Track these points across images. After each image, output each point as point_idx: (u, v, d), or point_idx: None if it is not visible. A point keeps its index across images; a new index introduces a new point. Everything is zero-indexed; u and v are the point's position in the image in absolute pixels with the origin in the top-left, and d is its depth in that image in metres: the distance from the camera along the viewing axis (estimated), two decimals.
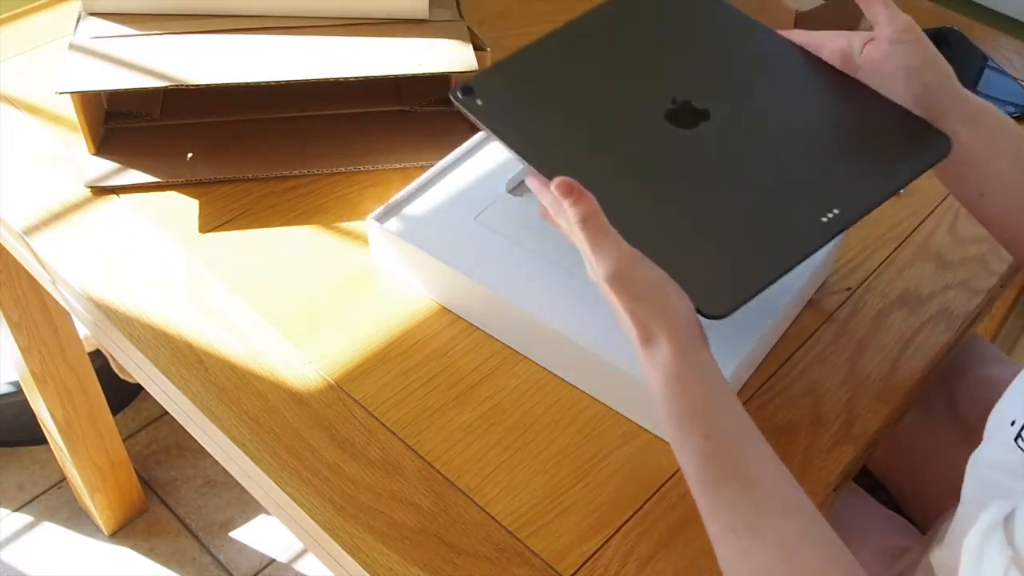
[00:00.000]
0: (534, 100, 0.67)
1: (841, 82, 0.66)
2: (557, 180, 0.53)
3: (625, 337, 0.66)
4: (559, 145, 0.64)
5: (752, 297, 0.56)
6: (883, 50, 0.61)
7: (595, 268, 0.53)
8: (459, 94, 0.65)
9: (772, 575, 0.48)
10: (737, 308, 0.55)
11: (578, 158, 0.63)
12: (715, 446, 0.50)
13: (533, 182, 0.60)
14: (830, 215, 0.59)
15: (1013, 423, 0.51)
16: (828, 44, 0.66)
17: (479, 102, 0.65)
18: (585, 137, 0.65)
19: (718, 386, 0.52)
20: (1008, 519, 0.43)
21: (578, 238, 0.53)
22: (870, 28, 0.63)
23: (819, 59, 0.67)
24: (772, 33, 0.70)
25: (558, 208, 0.56)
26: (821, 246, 0.58)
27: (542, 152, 0.62)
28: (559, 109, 0.66)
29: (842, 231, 0.59)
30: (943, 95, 0.61)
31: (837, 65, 0.65)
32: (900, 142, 0.62)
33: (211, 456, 0.71)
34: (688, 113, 0.65)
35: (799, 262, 0.58)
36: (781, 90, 0.67)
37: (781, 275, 0.57)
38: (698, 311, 0.54)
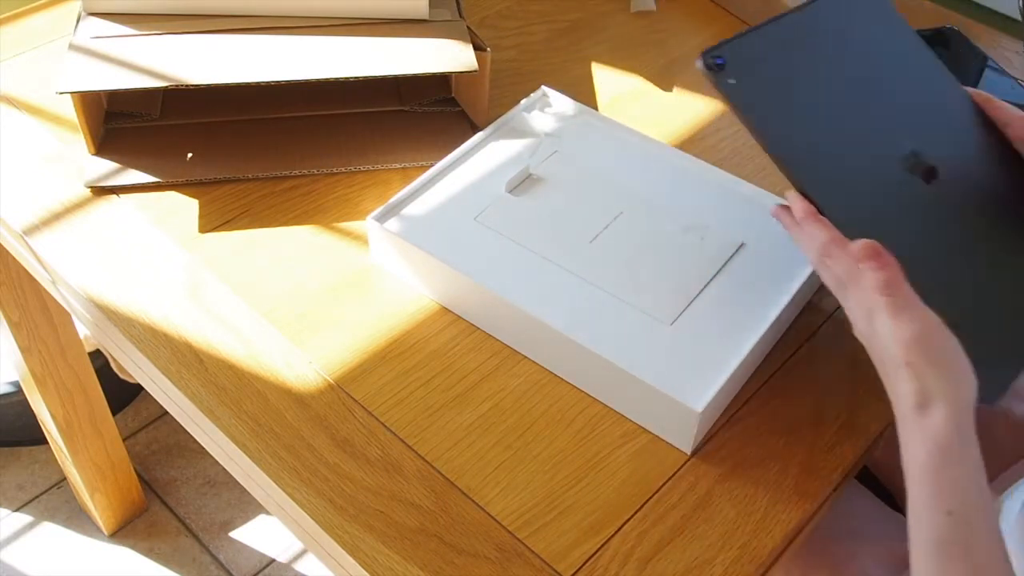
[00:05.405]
0: (782, 97, 0.63)
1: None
2: (860, 242, 0.55)
3: (624, 336, 0.66)
4: (811, 164, 0.61)
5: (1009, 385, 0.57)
6: None
7: (893, 330, 0.53)
8: (709, 61, 0.60)
9: None
10: (1002, 396, 0.56)
11: (832, 185, 0.60)
12: (955, 524, 0.50)
13: (789, 216, 0.62)
14: None
15: None
16: (1015, 124, 0.68)
17: (731, 81, 0.60)
18: (832, 163, 0.62)
19: (976, 468, 0.52)
20: None
21: (875, 302, 0.54)
22: None
23: (1000, 133, 0.68)
24: (962, 91, 0.69)
25: (815, 246, 0.59)
26: None
27: (799, 166, 0.60)
28: (803, 117, 0.63)
29: None
30: None
31: (1021, 147, 0.67)
32: None
33: (211, 456, 0.71)
34: (922, 169, 0.64)
35: None
36: (982, 167, 0.66)
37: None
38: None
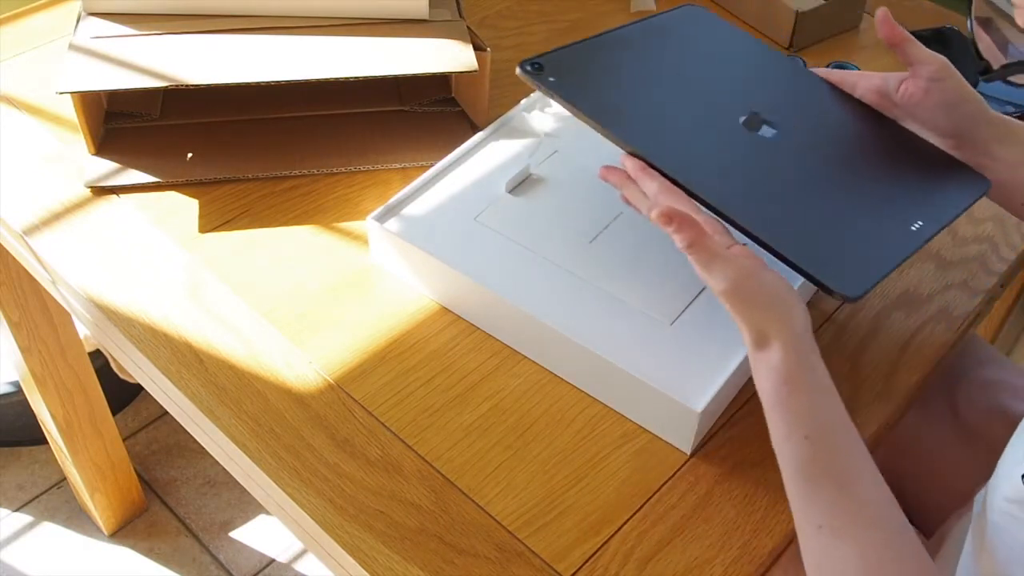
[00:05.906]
0: (606, 84, 0.68)
1: (879, 120, 0.71)
2: (658, 209, 0.57)
3: (624, 336, 0.66)
4: (640, 126, 0.65)
5: (880, 280, 0.60)
6: (922, 87, 0.66)
7: (709, 284, 0.56)
8: (528, 67, 0.66)
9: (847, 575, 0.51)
10: (870, 290, 0.58)
11: (661, 140, 0.64)
12: (814, 447, 0.53)
13: (617, 176, 0.65)
14: (917, 224, 0.63)
15: None
16: (861, 83, 0.71)
17: (551, 79, 0.66)
18: (663, 125, 0.66)
19: (824, 391, 0.54)
20: None
21: (689, 259, 0.57)
22: (873, 30, 0.64)
23: (852, 97, 0.72)
24: (806, 70, 0.74)
25: (638, 195, 0.63)
26: (916, 249, 0.62)
27: (624, 127, 0.64)
28: (630, 96, 0.68)
29: (923, 244, 0.63)
30: (981, 122, 0.67)
31: (871, 102, 0.71)
32: (944, 180, 0.68)
33: (211, 456, 0.71)
34: (758, 122, 0.68)
35: (907, 257, 0.62)
36: (828, 121, 0.71)
37: (896, 266, 0.61)
38: (834, 293, 0.57)
